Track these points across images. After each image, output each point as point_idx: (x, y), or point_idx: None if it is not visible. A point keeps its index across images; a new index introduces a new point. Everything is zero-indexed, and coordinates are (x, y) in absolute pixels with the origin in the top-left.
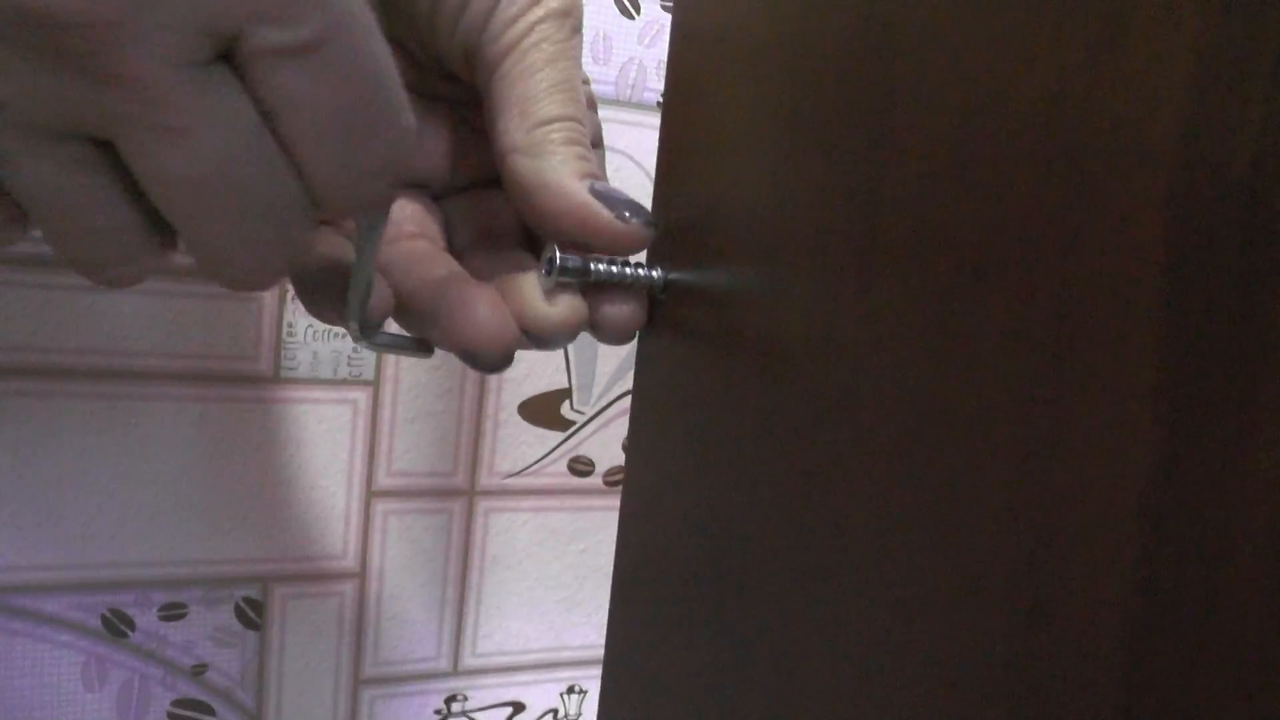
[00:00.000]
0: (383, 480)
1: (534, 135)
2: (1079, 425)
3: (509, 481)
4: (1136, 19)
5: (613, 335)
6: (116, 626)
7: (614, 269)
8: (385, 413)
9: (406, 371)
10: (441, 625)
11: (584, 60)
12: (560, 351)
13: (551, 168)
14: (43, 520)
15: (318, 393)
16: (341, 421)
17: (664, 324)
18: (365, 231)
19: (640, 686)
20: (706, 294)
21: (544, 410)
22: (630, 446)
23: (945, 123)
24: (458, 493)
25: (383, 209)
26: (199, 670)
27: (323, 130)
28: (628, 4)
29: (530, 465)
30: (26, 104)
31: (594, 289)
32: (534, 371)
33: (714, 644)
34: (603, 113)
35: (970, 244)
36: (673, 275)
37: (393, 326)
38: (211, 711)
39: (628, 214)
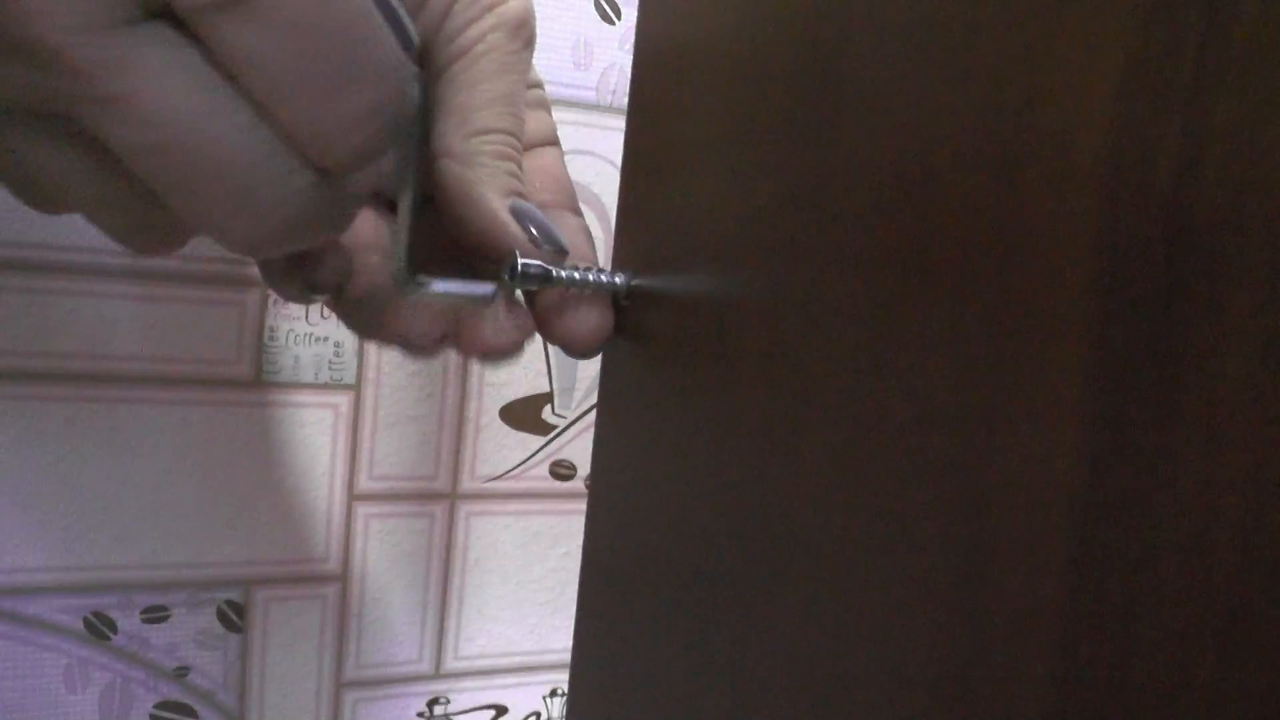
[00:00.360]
0: (364, 484)
1: (469, 144)
2: (1011, 435)
3: (490, 485)
4: (1066, 34)
5: (579, 350)
6: (99, 629)
7: (576, 274)
8: (367, 416)
9: (388, 375)
10: (424, 628)
11: (565, 65)
12: (541, 355)
13: (478, 179)
14: (26, 523)
15: (300, 396)
16: (323, 425)
17: (628, 329)
18: (397, 183)
19: (607, 688)
20: (668, 300)
21: (525, 414)
22: (596, 450)
23: (888, 138)
24: (439, 496)
25: (382, 151)
26: (181, 672)
27: (286, 82)
28: (608, 9)
29: (512, 469)
30: None
31: (557, 304)
32: (515, 376)
33: (678, 646)
34: (583, 117)
35: (910, 256)
36: (636, 281)
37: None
38: (194, 714)
39: (539, 236)
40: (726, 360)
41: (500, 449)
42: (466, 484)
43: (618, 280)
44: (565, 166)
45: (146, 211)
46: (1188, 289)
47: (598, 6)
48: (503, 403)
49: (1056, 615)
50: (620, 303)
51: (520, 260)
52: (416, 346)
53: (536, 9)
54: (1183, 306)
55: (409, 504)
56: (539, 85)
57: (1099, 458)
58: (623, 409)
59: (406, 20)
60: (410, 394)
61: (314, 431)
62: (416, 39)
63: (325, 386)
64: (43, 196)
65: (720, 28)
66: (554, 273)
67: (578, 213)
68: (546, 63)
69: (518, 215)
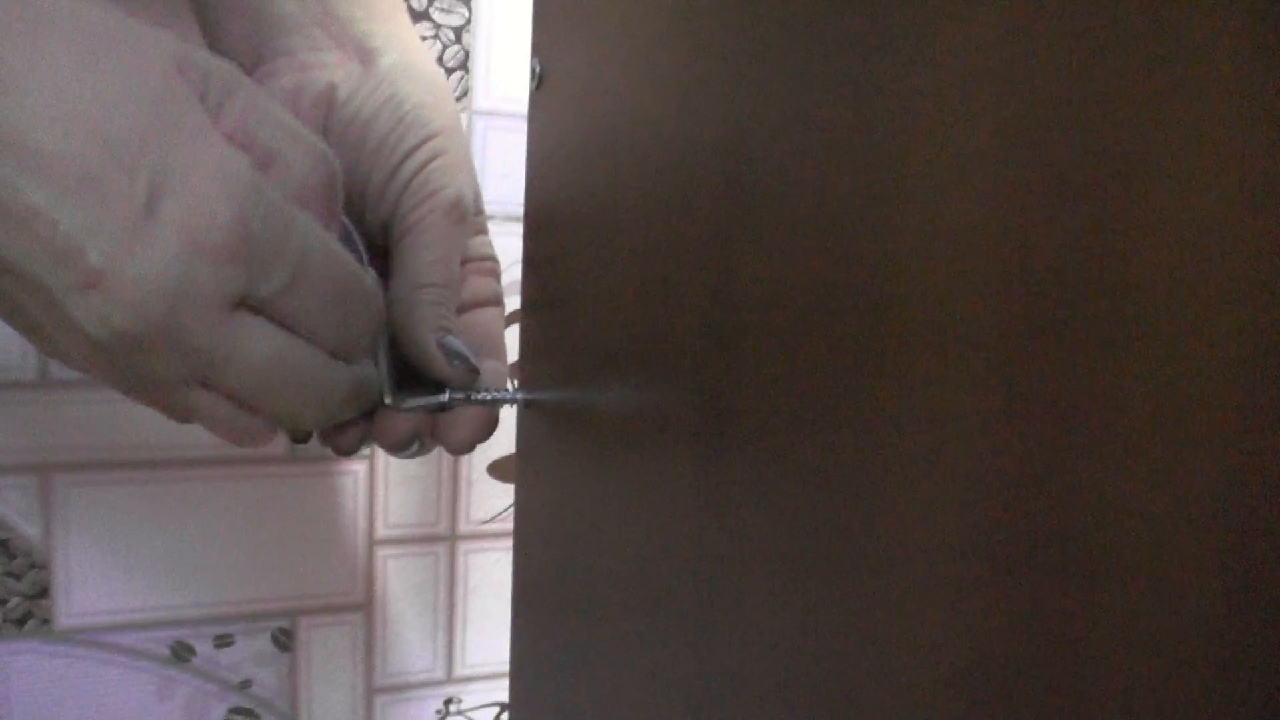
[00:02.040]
0: (382, 531)
1: (411, 295)
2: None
3: (483, 527)
4: (923, 130)
5: (456, 449)
6: (181, 654)
7: (481, 395)
8: (380, 478)
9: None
10: (436, 643)
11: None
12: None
13: (416, 321)
14: (122, 578)
15: (325, 467)
16: (347, 487)
17: (532, 415)
18: (378, 351)
19: (540, 698)
20: (558, 406)
21: (508, 468)
22: (517, 500)
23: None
24: (442, 538)
25: (379, 334)
26: (245, 685)
27: (324, 321)
28: None
29: (500, 513)
30: (144, 379)
31: (449, 419)
32: (497, 439)
33: (589, 663)
34: None
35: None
36: (530, 395)
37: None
38: (257, 716)
39: (457, 363)
40: (604, 440)
41: (489, 497)
42: (463, 527)
43: (517, 395)
44: (501, 322)
45: (250, 419)
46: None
47: None
48: (488, 461)
49: (953, 650)
50: (521, 407)
51: (450, 394)
52: (399, 447)
53: (503, 141)
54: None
55: (418, 545)
56: (492, 259)
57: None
58: (536, 472)
59: (360, 245)
60: (413, 460)
61: (339, 493)
62: (365, 255)
63: (346, 458)
64: (182, 419)
65: (596, 185)
66: (448, 396)
67: (501, 359)
68: (513, 186)
69: (441, 347)
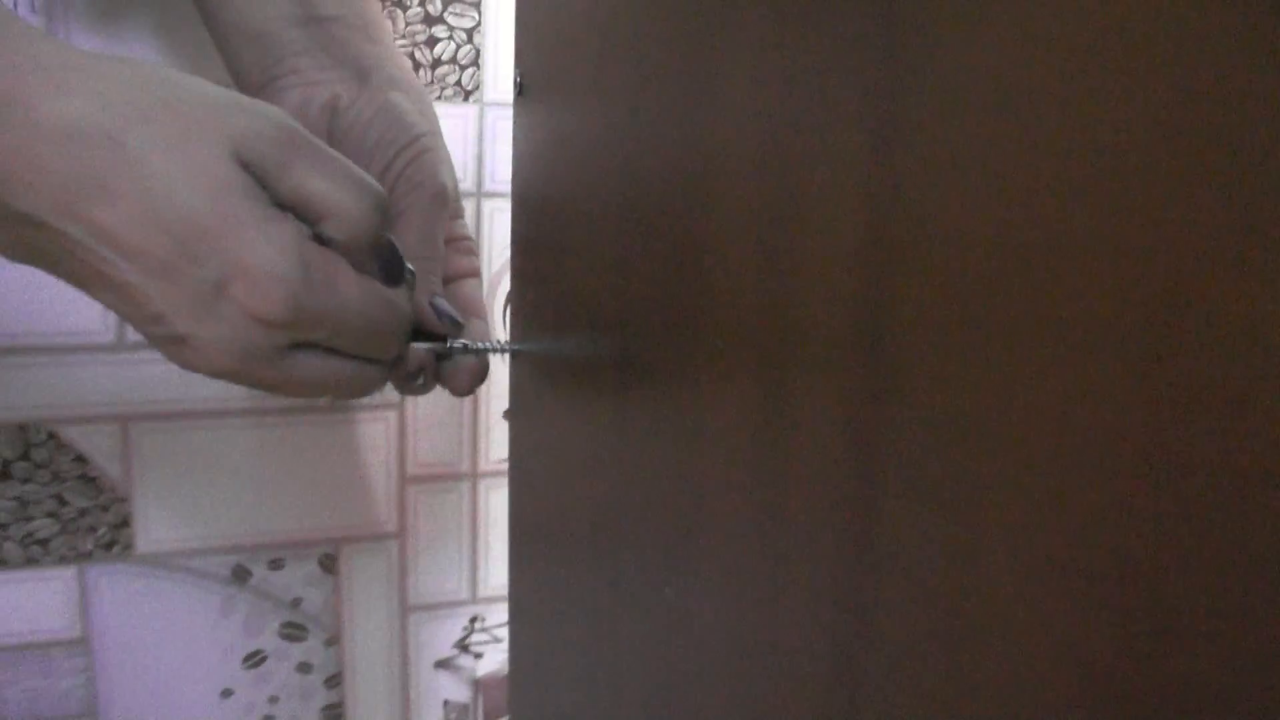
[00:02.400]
0: (412, 469)
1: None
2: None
3: (501, 465)
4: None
5: (457, 392)
6: (241, 575)
7: (469, 344)
8: (410, 424)
9: (422, 397)
10: (461, 567)
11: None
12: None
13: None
14: (191, 509)
15: (363, 415)
16: (381, 433)
17: (521, 365)
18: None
19: (537, 621)
20: (543, 358)
21: None
22: (511, 441)
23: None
24: (465, 475)
25: (405, 341)
26: (296, 602)
27: (361, 345)
28: None
29: None
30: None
31: (449, 365)
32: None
33: (582, 590)
34: None
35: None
36: (517, 346)
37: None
38: (306, 629)
39: (446, 319)
40: (587, 385)
41: (505, 439)
42: (483, 466)
43: (508, 346)
44: (481, 290)
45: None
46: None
47: None
48: (503, 408)
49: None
50: (504, 357)
51: (453, 342)
52: (409, 378)
53: (509, 128)
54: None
55: (444, 483)
56: (469, 238)
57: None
58: (527, 415)
59: (401, 250)
60: (438, 406)
61: (375, 437)
62: (405, 259)
63: (379, 406)
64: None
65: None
66: (449, 343)
67: (484, 319)
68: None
69: (433, 307)
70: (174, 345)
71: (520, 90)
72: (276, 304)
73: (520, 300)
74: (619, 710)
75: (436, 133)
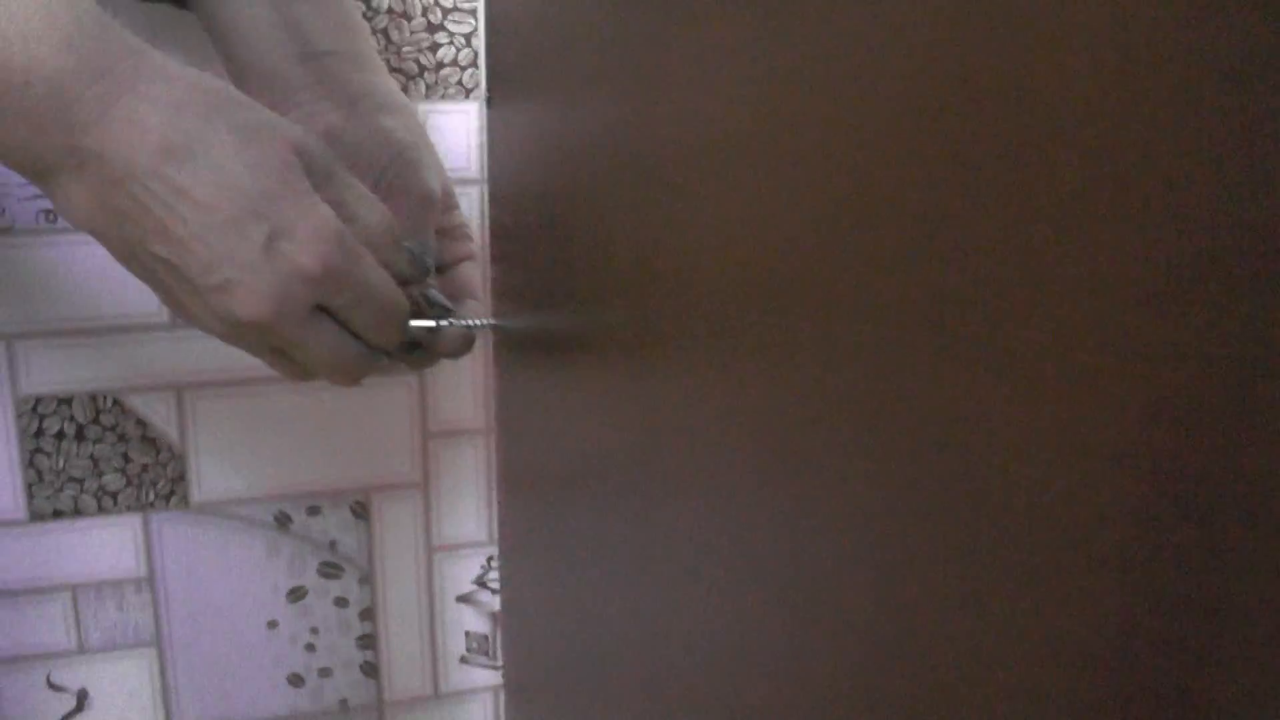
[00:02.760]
0: (433, 426)
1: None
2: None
3: None
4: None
5: (447, 356)
6: (283, 521)
7: (457, 322)
8: (430, 388)
9: (439, 367)
10: (479, 513)
11: None
12: None
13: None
14: (238, 464)
15: (387, 380)
16: (404, 395)
17: (503, 336)
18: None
19: (526, 560)
20: (522, 330)
21: None
22: (497, 397)
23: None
24: (480, 431)
25: (403, 335)
26: (332, 545)
27: (370, 325)
28: None
29: None
30: (245, 345)
31: (441, 335)
32: None
33: (569, 532)
34: None
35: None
36: (498, 322)
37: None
38: (342, 569)
39: (435, 307)
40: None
41: None
42: (494, 422)
43: (489, 322)
44: (478, 272)
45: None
46: None
47: None
48: None
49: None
50: (487, 331)
51: (440, 321)
52: (405, 350)
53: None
54: None
55: (461, 437)
56: (465, 226)
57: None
58: (509, 378)
59: (431, 253)
60: (454, 373)
61: (399, 399)
62: (431, 264)
63: (404, 372)
64: (265, 362)
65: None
66: (436, 323)
67: (479, 298)
68: None
69: (426, 296)
70: (222, 293)
71: (490, 103)
72: (316, 260)
73: (499, 280)
74: (599, 630)
75: (422, 144)
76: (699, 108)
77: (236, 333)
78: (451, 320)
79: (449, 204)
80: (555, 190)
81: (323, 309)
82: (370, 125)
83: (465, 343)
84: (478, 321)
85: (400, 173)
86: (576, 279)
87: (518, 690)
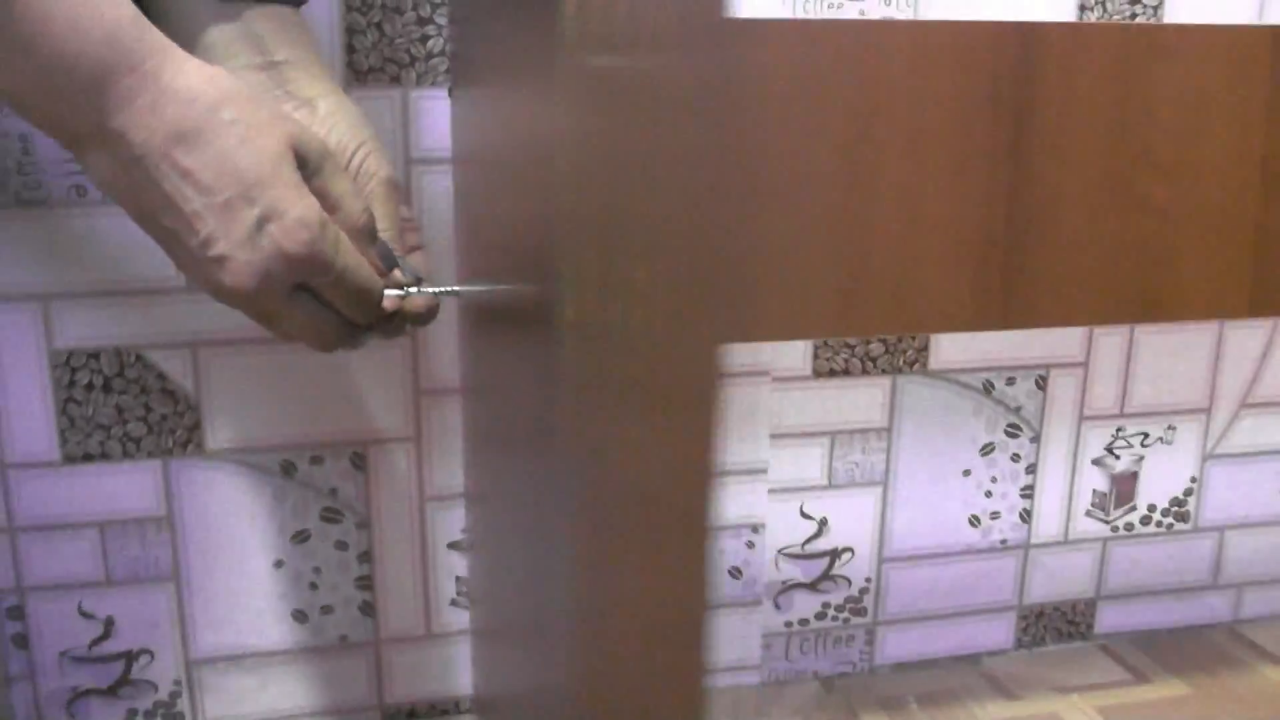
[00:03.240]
0: (424, 384)
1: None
2: None
3: None
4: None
5: (415, 321)
6: (289, 469)
7: (430, 289)
8: (421, 349)
9: (430, 327)
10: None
11: None
12: None
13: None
14: (247, 415)
15: (384, 342)
16: (398, 356)
17: (468, 304)
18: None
19: (487, 510)
20: (482, 299)
21: None
22: (462, 357)
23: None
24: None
25: (379, 313)
26: (334, 492)
27: (349, 303)
28: None
29: None
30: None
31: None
32: None
33: (523, 485)
34: None
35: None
36: (458, 288)
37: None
38: (343, 515)
39: (406, 274)
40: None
41: None
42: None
43: (451, 289)
44: (423, 260)
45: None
46: None
47: None
48: None
49: None
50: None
51: (406, 288)
52: (386, 324)
53: None
54: None
55: (450, 395)
56: (413, 219)
57: None
58: (470, 341)
59: (399, 252)
60: (442, 333)
61: (393, 359)
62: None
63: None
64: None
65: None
66: (412, 290)
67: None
68: None
69: (398, 264)
70: (214, 264)
71: (451, 95)
72: (298, 245)
73: (463, 249)
74: (546, 574)
75: (376, 141)
76: None
77: (225, 299)
78: (420, 289)
79: (400, 198)
80: (508, 168)
81: (304, 286)
82: (330, 125)
83: (430, 311)
84: (442, 289)
85: (364, 161)
86: (523, 249)
87: (483, 634)
